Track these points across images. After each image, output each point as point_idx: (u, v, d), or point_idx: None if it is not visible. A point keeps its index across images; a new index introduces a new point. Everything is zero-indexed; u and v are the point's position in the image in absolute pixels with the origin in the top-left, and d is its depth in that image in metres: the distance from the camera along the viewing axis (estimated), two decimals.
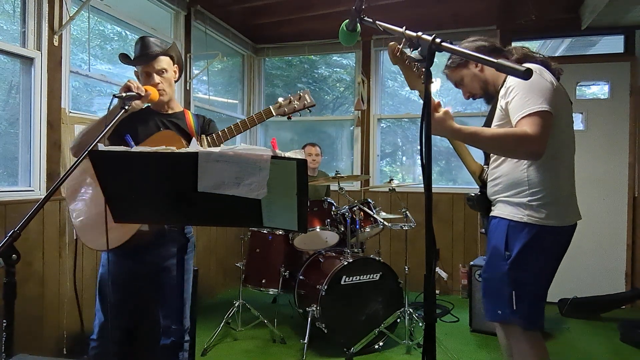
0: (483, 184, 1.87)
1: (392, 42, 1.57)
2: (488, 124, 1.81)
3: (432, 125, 1.55)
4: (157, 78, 1.96)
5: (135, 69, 2.03)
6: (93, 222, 1.81)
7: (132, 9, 3.48)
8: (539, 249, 1.66)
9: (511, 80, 1.64)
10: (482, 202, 1.85)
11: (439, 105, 1.57)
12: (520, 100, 1.58)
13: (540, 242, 1.65)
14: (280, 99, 1.95)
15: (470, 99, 1.96)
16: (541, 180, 1.65)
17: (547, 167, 1.65)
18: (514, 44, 3.63)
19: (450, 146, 1.98)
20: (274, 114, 1.92)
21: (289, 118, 1.96)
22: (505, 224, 1.70)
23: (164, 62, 1.98)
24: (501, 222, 1.72)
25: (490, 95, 1.87)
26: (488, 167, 1.85)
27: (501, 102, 1.69)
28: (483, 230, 1.98)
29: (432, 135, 1.63)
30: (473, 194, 1.88)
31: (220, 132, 1.93)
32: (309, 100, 1.95)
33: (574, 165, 1.77)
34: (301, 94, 1.96)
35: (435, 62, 1.15)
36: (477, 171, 1.93)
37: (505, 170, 1.74)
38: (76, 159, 1.39)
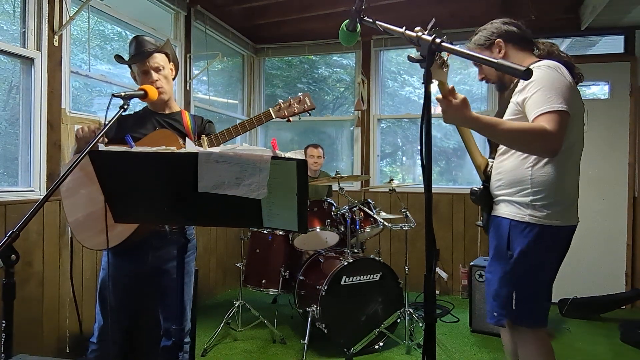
0: (487, 178, 1.85)
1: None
2: (499, 116, 1.78)
3: (449, 113, 1.53)
4: (154, 75, 1.95)
5: (132, 71, 2.02)
6: (89, 220, 1.80)
7: (132, 9, 3.48)
8: (541, 249, 1.65)
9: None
10: (485, 197, 1.83)
11: (453, 91, 1.52)
12: (540, 96, 1.55)
13: (542, 241, 1.64)
14: (280, 101, 1.94)
15: (484, 81, 1.94)
16: (545, 180, 1.64)
17: (552, 167, 1.63)
18: None
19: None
20: (274, 116, 1.91)
21: (288, 121, 1.96)
22: (507, 224, 1.70)
23: (160, 59, 1.97)
24: (503, 222, 1.72)
25: (504, 84, 1.84)
26: (493, 161, 1.84)
27: (517, 97, 1.66)
28: (481, 223, 1.97)
29: (445, 123, 1.61)
30: (477, 188, 1.86)
31: (219, 134, 1.93)
32: (309, 104, 1.94)
33: (579, 165, 1.75)
34: (301, 96, 1.95)
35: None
36: (483, 165, 1.90)
37: (509, 166, 1.72)
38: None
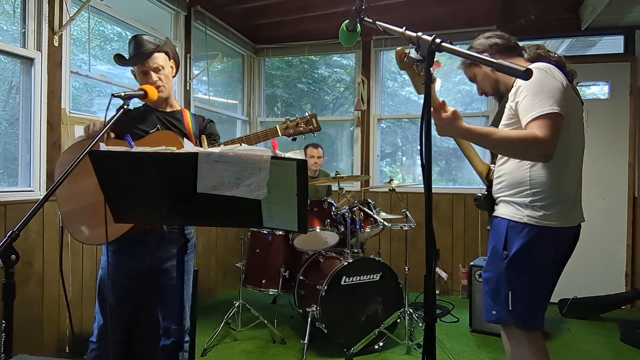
0: (490, 183, 1.86)
1: (399, 48, 1.55)
2: (496, 123, 1.80)
3: (441, 126, 1.55)
4: (154, 76, 1.95)
5: (132, 69, 2.03)
6: (82, 213, 1.80)
7: (132, 9, 3.48)
8: (538, 250, 1.65)
9: (521, 80, 1.59)
10: (488, 202, 1.84)
11: (444, 104, 1.53)
12: (530, 101, 1.56)
13: (539, 242, 1.64)
14: (288, 119, 1.98)
15: (483, 95, 1.98)
16: (543, 181, 1.64)
17: (551, 168, 1.63)
18: None
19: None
20: (280, 134, 1.96)
21: (294, 139, 2.00)
22: (505, 224, 1.70)
23: (160, 58, 1.97)
24: (501, 222, 1.72)
25: (500, 94, 1.87)
26: (495, 166, 1.85)
27: (511, 102, 1.68)
28: (489, 227, 1.98)
29: (439, 136, 1.63)
30: (480, 194, 1.87)
31: (223, 144, 1.94)
32: (315, 125, 1.99)
33: (581, 165, 1.75)
34: (309, 117, 1.99)
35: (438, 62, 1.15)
36: (484, 171, 1.92)
37: (508, 169, 1.73)
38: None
